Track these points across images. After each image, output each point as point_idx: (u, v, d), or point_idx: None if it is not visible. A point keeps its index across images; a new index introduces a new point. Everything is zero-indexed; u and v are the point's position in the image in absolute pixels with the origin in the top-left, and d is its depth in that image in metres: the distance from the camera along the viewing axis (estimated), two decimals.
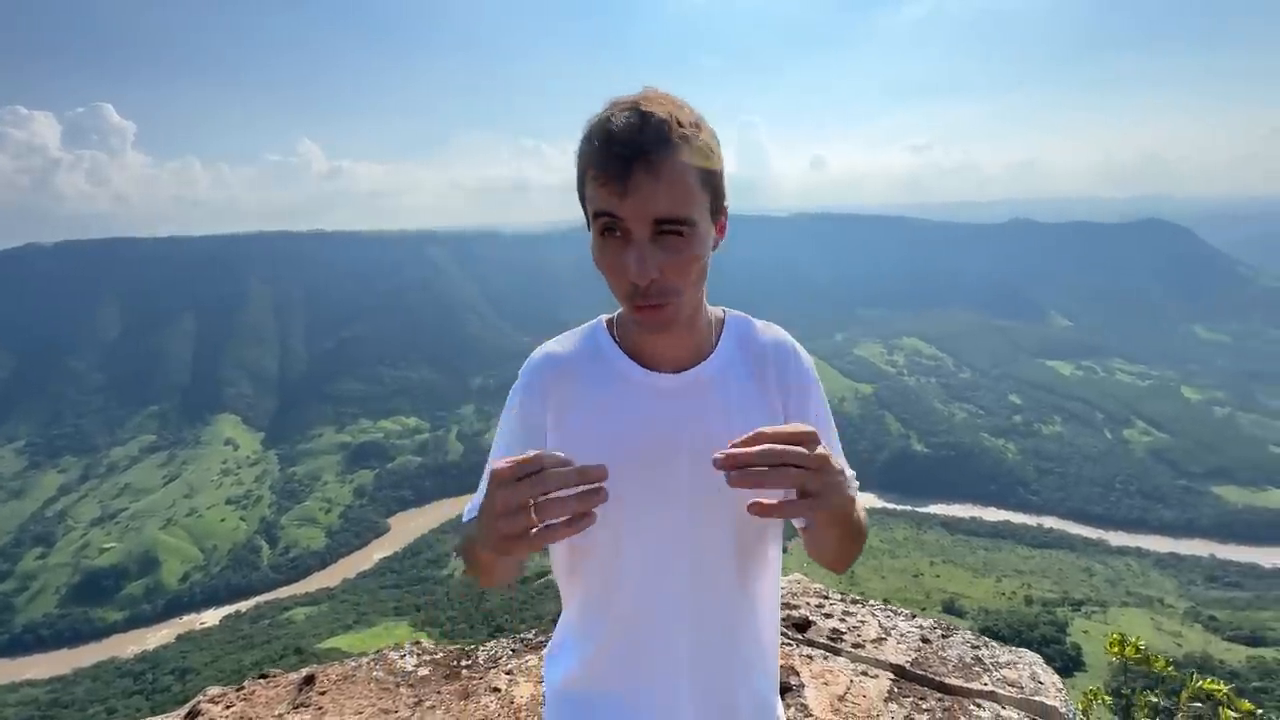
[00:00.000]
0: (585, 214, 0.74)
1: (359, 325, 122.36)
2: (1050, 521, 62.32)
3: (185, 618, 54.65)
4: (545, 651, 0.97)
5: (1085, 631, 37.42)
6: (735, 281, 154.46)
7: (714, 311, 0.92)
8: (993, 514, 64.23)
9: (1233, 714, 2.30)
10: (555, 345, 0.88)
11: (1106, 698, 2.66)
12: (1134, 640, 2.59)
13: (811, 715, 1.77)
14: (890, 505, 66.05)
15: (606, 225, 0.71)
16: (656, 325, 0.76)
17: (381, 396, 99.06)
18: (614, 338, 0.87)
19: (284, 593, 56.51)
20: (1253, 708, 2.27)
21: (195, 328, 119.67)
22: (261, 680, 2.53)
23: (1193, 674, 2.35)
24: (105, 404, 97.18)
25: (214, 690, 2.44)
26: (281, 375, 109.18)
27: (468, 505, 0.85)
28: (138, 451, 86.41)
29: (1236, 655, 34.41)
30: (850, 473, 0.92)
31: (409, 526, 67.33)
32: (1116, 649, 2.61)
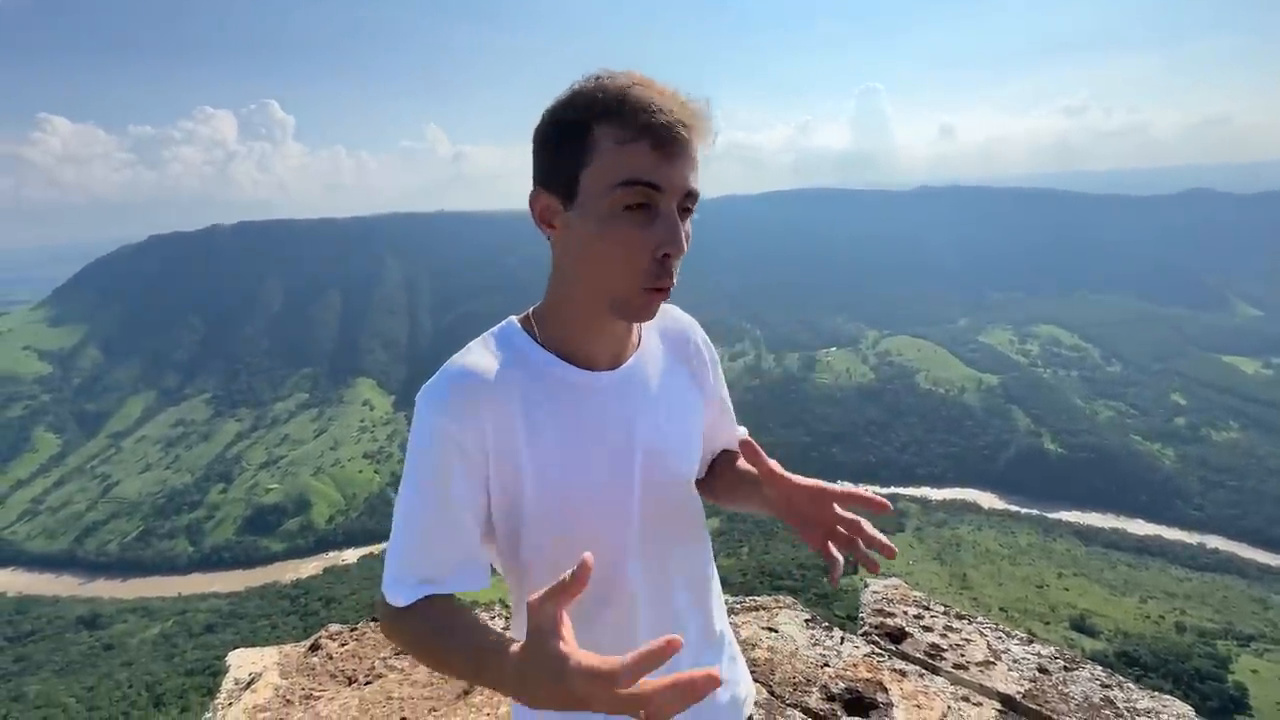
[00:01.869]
0: (569, 183, 0.71)
1: (477, 301, 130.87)
2: (1216, 541, 53.81)
3: (330, 554, 62.60)
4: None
5: (1254, 671, 32.24)
6: (845, 260, 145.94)
7: None
8: (1140, 527, 56.63)
9: None
10: (473, 360, 0.77)
11: None
12: None
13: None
14: (1013, 507, 60.29)
15: (639, 198, 0.68)
16: (652, 312, 0.74)
17: None
18: (534, 339, 0.80)
19: None
20: None
21: (340, 300, 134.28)
22: (374, 623, 2.77)
23: None
24: (270, 365, 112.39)
25: (334, 627, 2.70)
26: (410, 345, 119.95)
27: (392, 556, 0.75)
28: (295, 407, 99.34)
29: None
30: (732, 437, 1.00)
31: None
32: None
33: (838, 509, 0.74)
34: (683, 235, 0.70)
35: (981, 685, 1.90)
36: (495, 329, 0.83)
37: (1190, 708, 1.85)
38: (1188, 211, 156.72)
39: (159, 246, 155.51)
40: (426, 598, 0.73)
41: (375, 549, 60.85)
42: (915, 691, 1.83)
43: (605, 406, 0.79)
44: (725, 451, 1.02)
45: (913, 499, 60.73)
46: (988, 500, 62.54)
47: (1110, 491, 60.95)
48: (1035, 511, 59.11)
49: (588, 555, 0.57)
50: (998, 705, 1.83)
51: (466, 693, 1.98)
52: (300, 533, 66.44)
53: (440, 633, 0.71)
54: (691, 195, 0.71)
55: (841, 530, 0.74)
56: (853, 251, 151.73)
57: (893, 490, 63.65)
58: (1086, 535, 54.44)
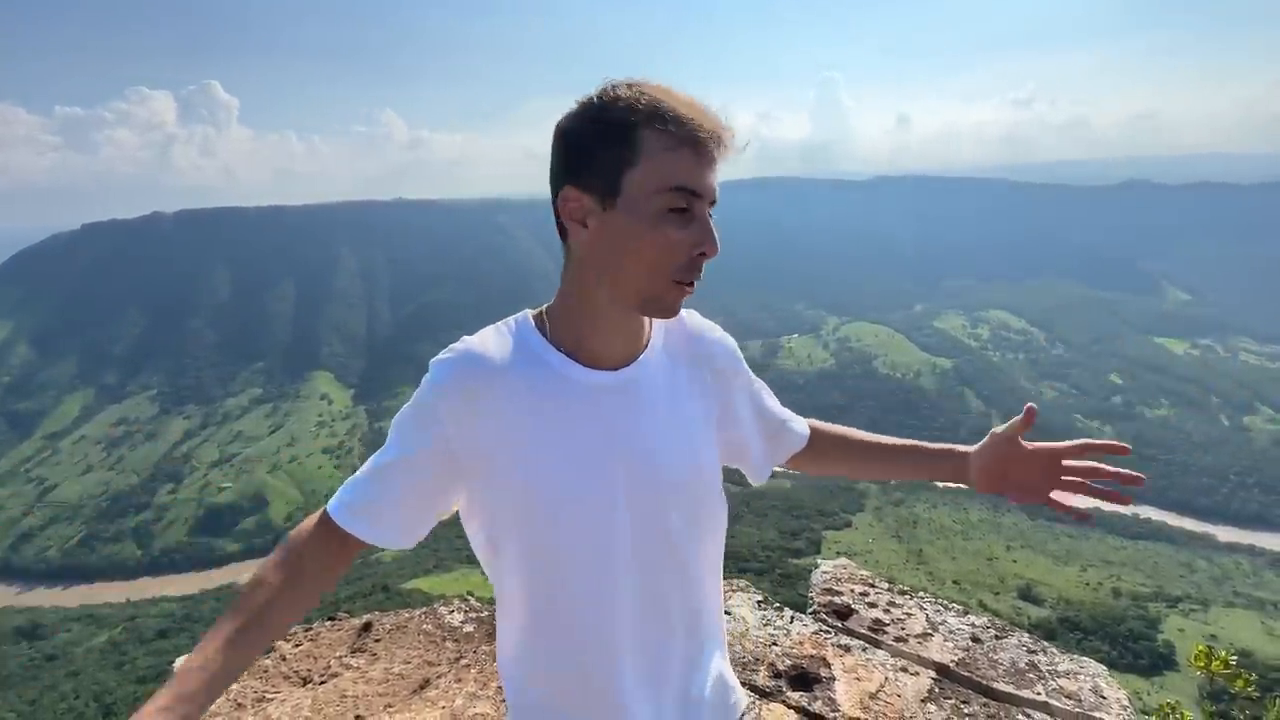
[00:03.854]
0: (611, 183, 0.73)
1: (437, 290, 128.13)
2: (1148, 512, 57.53)
3: None
4: (497, 662, 0.90)
5: (1181, 630, 34.76)
6: (806, 249, 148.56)
7: None
8: (1081, 501, 59.85)
9: None
10: (481, 345, 0.79)
11: (1187, 713, 2.44)
12: (1224, 654, 2.35)
13: (839, 711, 1.72)
14: (965, 485, 62.92)
15: (683, 201, 0.73)
16: (679, 307, 0.78)
17: None
18: (545, 336, 0.81)
19: None
20: None
21: (294, 291, 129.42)
22: (329, 622, 2.73)
23: (1276, 699, 2.11)
24: (220, 359, 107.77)
25: None
26: (369, 336, 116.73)
27: (348, 489, 0.80)
28: (248, 403, 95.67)
29: None
30: (798, 428, 1.06)
31: None
32: (1202, 662, 2.38)
33: (1065, 462, 0.81)
34: (715, 235, 0.74)
35: (919, 656, 2.01)
36: (510, 320, 0.84)
37: (1104, 667, 2.00)
38: (1125, 202, 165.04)
39: (94, 235, 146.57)
40: (335, 530, 0.78)
41: None
42: (856, 665, 1.93)
43: (605, 405, 0.79)
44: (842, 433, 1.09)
45: (871, 481, 62.77)
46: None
47: None
48: None
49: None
50: (933, 674, 1.94)
51: (422, 687, 1.99)
52: (257, 532, 64.36)
53: (270, 587, 0.74)
54: (714, 202, 0.77)
55: (1073, 479, 0.81)
56: (813, 239, 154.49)
57: None
58: (1032, 509, 57.22)
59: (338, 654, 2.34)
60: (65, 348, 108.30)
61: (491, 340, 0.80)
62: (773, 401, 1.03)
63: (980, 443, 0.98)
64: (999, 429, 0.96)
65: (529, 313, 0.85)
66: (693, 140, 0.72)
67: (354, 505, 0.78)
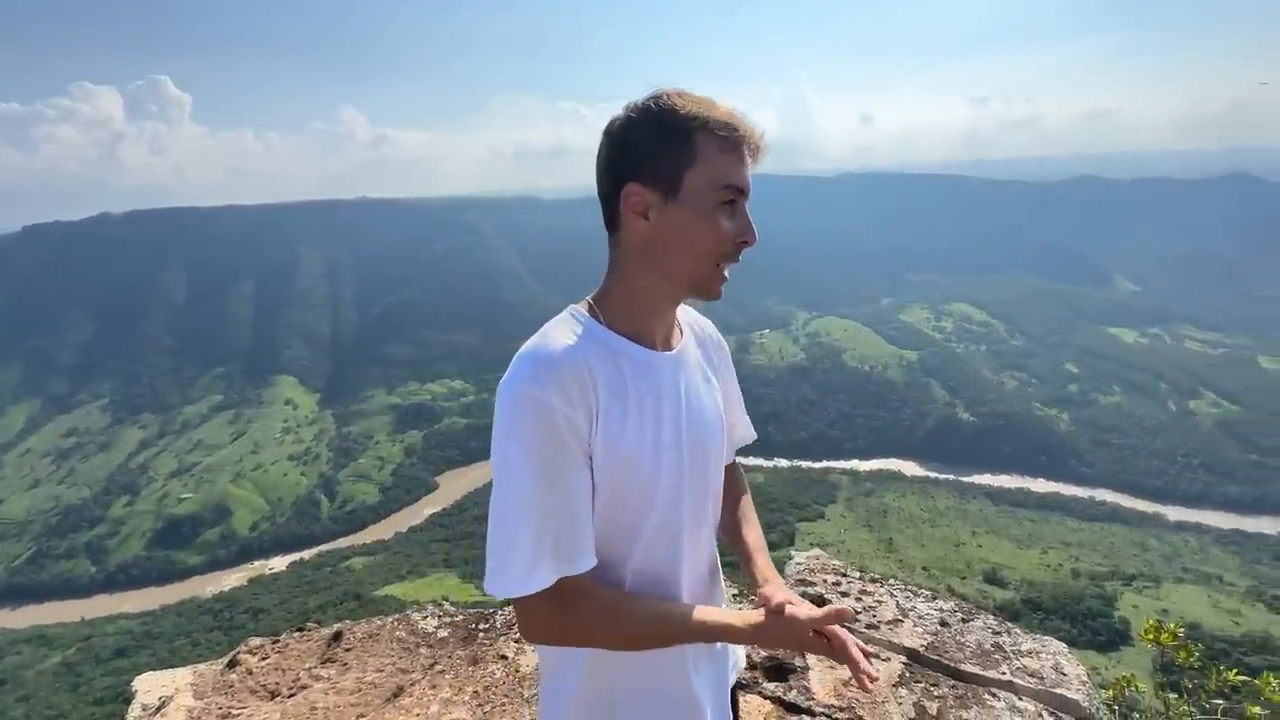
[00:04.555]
0: (673, 181, 0.86)
1: (404, 291, 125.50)
2: (1104, 494, 59.95)
3: (256, 563, 59.02)
4: (544, 652, 0.98)
5: (1135, 606, 36.34)
6: (775, 245, 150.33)
7: None
8: (1041, 485, 62.23)
9: (1259, 710, 2.17)
10: (561, 343, 0.86)
11: (1140, 685, 2.56)
12: (1172, 626, 2.46)
13: (814, 700, 1.75)
14: (933, 474, 64.70)
15: (732, 197, 0.88)
16: (721, 289, 0.92)
17: (428, 360, 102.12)
18: (604, 325, 0.92)
19: (343, 543, 60.17)
20: None
21: (254, 293, 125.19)
22: (297, 633, 2.66)
23: (1218, 668, 2.22)
24: (176, 365, 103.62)
25: (254, 641, 2.58)
26: (334, 339, 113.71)
27: (513, 548, 0.80)
28: (207, 410, 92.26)
29: None
30: (748, 432, 1.22)
31: (456, 484, 70.18)
32: (1153, 636, 2.49)
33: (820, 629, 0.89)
34: (754, 227, 0.91)
35: (890, 642, 2.06)
36: (564, 315, 0.93)
37: (1065, 645, 2.08)
38: (1077, 197, 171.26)
39: (36, 237, 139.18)
40: (567, 581, 0.82)
41: (306, 554, 57.99)
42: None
43: (668, 380, 0.93)
44: (735, 503, 1.21)
45: (843, 472, 63.98)
46: (910, 469, 66.78)
47: (1016, 454, 66.53)
48: (952, 476, 63.70)
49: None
50: (904, 659, 1.99)
51: (396, 695, 1.95)
52: (221, 543, 62.20)
53: (632, 603, 0.87)
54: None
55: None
56: (782, 236, 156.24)
57: (824, 464, 66.84)
58: (996, 495, 59.27)
59: (307, 665, 2.28)
60: (7, 356, 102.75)
61: (566, 335, 0.88)
62: (737, 406, 1.18)
63: (766, 592, 0.96)
64: (770, 598, 0.93)
65: (577, 306, 0.95)
66: (738, 144, 0.87)
67: (559, 553, 0.81)
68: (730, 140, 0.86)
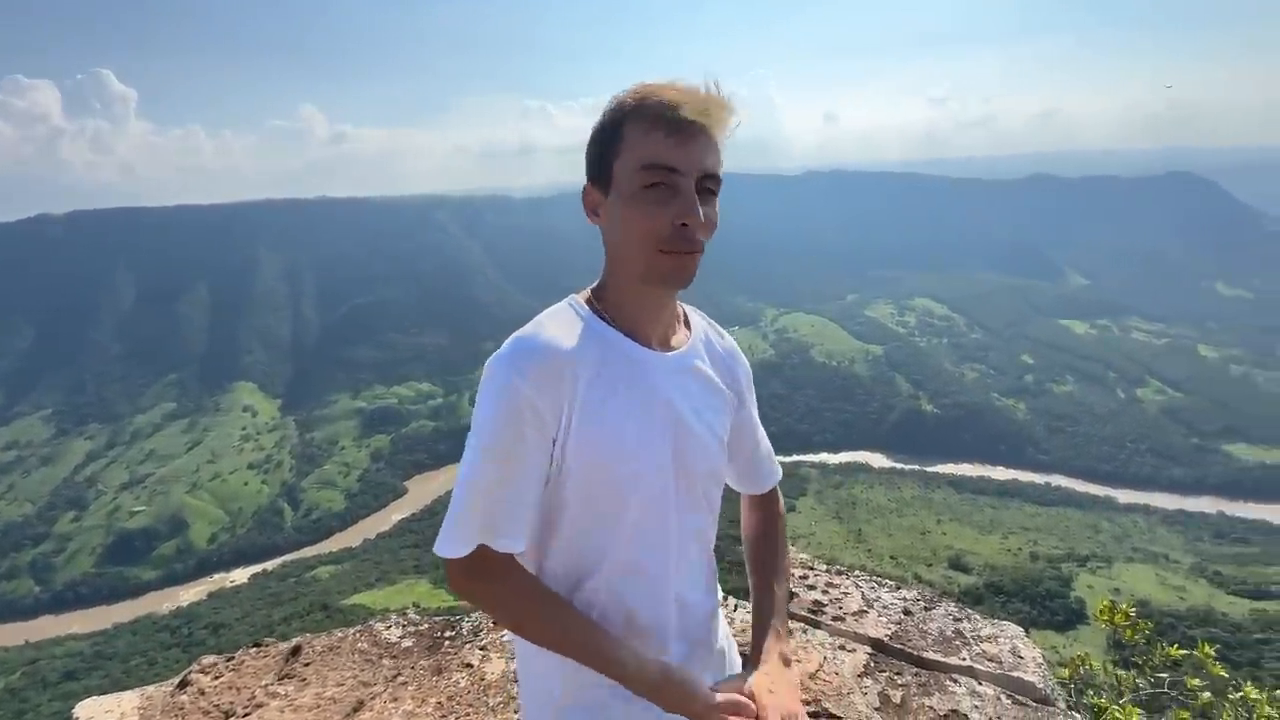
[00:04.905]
0: (606, 174, 0.85)
1: (369, 292, 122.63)
2: (1058, 480, 62.48)
3: (215, 576, 56.91)
4: (522, 653, 0.96)
5: (1090, 586, 37.95)
6: (744, 243, 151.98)
7: None
8: (1001, 473, 64.48)
9: (1198, 682, 2.29)
10: (550, 330, 0.84)
11: (1094, 663, 2.66)
12: (1124, 606, 2.58)
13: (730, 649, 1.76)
14: (899, 465, 66.40)
15: (657, 178, 0.80)
16: (681, 276, 0.84)
17: (394, 362, 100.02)
18: (602, 319, 0.90)
19: (308, 552, 58.50)
20: (1223, 671, 2.27)
21: (209, 296, 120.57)
22: (254, 649, 2.57)
23: (1160, 644, 2.34)
24: (125, 372, 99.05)
25: (207, 660, 2.48)
26: (295, 342, 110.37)
27: (450, 518, 0.82)
28: (160, 419, 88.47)
29: (1240, 609, 34.82)
30: (766, 446, 1.16)
31: (426, 489, 68.93)
32: (1106, 615, 2.59)
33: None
34: (698, 208, 0.81)
35: (855, 633, 2.09)
36: (562, 303, 0.91)
37: (1021, 629, 2.15)
38: (1030, 195, 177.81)
39: None
40: (485, 551, 0.81)
41: (269, 565, 56.20)
42: (796, 647, 1.99)
43: (660, 382, 0.89)
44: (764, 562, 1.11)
45: (813, 465, 65.14)
46: (877, 460, 68.41)
47: (977, 444, 68.80)
48: (917, 467, 65.50)
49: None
50: (869, 649, 2.03)
51: (356, 710, 1.89)
52: (177, 556, 59.77)
53: (543, 597, 0.85)
54: (711, 177, 0.83)
55: None
56: (750, 233, 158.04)
57: (795, 458, 67.94)
58: (959, 484, 61.20)
59: (263, 683, 2.20)
60: None
61: (558, 324, 0.86)
62: (760, 448, 1.14)
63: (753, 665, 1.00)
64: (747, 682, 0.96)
65: (578, 296, 0.93)
66: (665, 120, 0.80)
67: (484, 527, 0.80)
68: (658, 119, 0.80)
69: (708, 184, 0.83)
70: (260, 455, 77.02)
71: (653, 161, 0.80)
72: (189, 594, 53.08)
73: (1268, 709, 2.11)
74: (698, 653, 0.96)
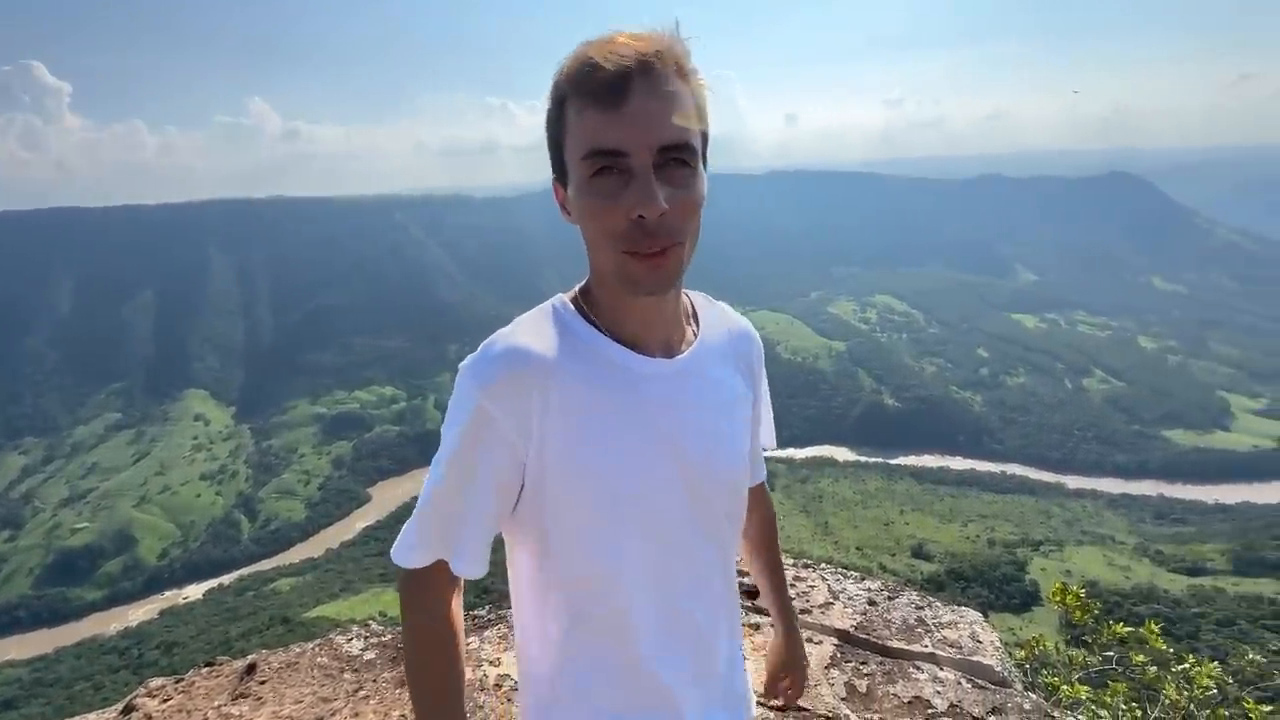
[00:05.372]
0: (561, 165, 0.69)
1: (327, 294, 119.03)
2: (1013, 468, 64.99)
3: (167, 593, 54.37)
4: (523, 667, 0.84)
5: (1043, 569, 39.56)
6: (710, 240, 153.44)
7: None
8: (959, 463, 66.71)
9: (1143, 658, 2.42)
10: (522, 337, 0.71)
11: (1048, 643, 2.77)
12: (1074, 588, 2.71)
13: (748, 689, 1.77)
14: (863, 458, 68.03)
15: (601, 165, 0.63)
16: (657, 281, 0.67)
17: (355, 366, 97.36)
18: (588, 320, 0.75)
19: (267, 565, 56.46)
20: (1165, 647, 2.42)
21: (155, 300, 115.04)
22: (205, 669, 2.47)
23: (1109, 623, 2.46)
24: (64, 382, 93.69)
25: (155, 682, 2.38)
26: (249, 347, 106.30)
27: (409, 524, 0.76)
28: (103, 430, 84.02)
29: (1179, 585, 36.83)
30: (769, 440, 1.02)
31: (391, 495, 67.30)
32: (1058, 597, 2.71)
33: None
34: (655, 195, 0.63)
35: (822, 625, 2.13)
36: (544, 305, 0.77)
37: (980, 615, 2.22)
38: (982, 194, 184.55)
39: None
40: (442, 567, 0.75)
41: (225, 579, 54.02)
42: (764, 642, 2.01)
43: (657, 394, 0.74)
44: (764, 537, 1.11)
45: (780, 460, 66.16)
46: (842, 454, 69.97)
47: (936, 435, 71.05)
48: (880, 459, 67.25)
49: None
50: (835, 640, 2.06)
51: None
52: (124, 574, 56.85)
53: (448, 643, 0.76)
54: (674, 147, 0.64)
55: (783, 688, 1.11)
56: (716, 232, 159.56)
57: (764, 454, 68.74)
58: (920, 475, 63.07)
59: (216, 704, 2.10)
60: None
61: (532, 331, 0.73)
62: (765, 425, 1.00)
63: (778, 647, 1.13)
64: (778, 664, 1.13)
65: (563, 296, 0.79)
66: (591, 93, 0.63)
67: (451, 547, 0.73)
68: (584, 94, 0.63)
69: (674, 155, 0.64)
70: (214, 465, 73.95)
71: (590, 147, 0.63)
72: (138, 613, 50.59)
73: (1206, 680, 2.24)
74: (713, 698, 0.84)
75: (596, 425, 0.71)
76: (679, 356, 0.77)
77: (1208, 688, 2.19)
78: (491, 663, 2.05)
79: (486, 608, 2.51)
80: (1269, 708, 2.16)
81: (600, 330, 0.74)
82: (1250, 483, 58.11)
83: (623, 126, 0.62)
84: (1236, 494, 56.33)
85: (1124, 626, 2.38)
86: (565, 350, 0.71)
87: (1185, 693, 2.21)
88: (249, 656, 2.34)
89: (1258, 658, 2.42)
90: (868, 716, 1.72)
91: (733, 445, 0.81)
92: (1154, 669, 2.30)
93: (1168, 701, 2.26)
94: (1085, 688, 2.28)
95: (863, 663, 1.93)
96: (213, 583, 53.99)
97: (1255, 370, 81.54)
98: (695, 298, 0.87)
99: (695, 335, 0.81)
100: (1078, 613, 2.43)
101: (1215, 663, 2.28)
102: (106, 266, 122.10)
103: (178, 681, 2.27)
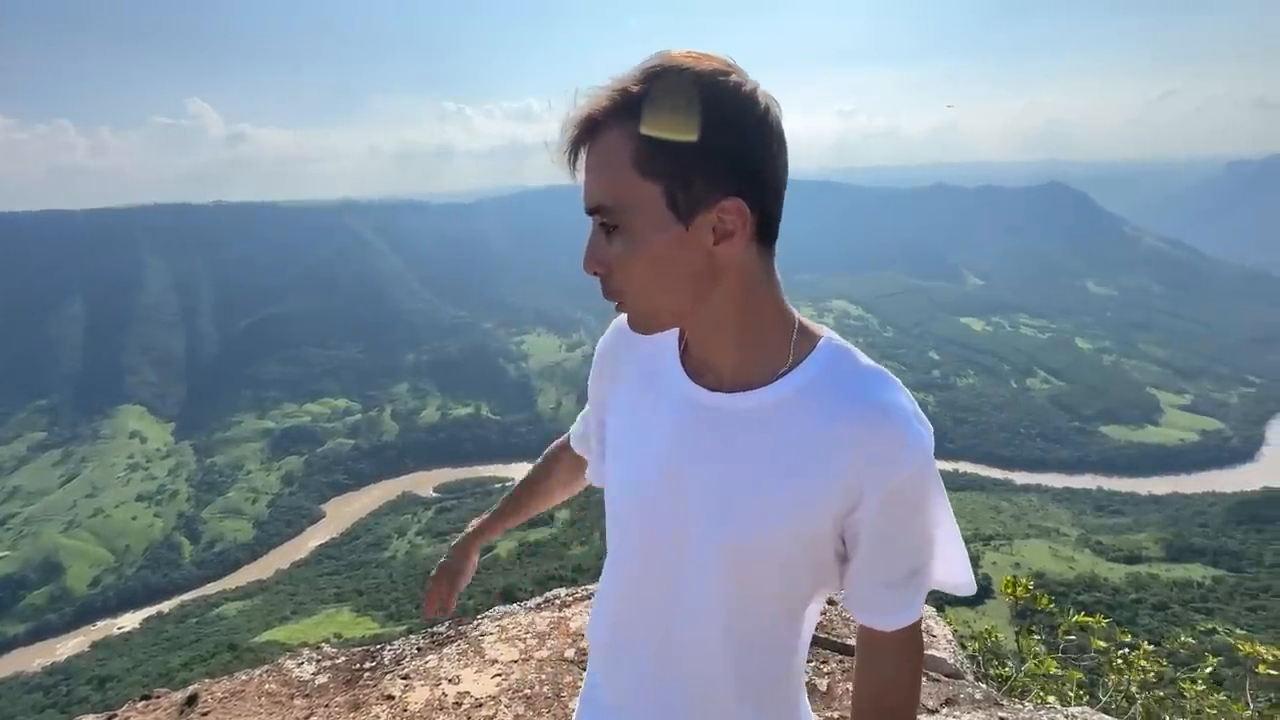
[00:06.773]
0: None
1: (275, 303, 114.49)
2: (965, 466, 67.56)
3: (100, 624, 50.91)
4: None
5: (994, 563, 41.14)
6: None
7: (808, 330, 0.73)
8: None
9: (1102, 643, 2.55)
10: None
11: (1000, 635, 2.88)
12: (1024, 580, 2.83)
13: None
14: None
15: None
16: (632, 326, 0.67)
17: (306, 378, 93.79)
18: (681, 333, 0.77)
19: (211, 589, 53.59)
20: (1123, 634, 2.58)
21: (84, 311, 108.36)
22: (141, 703, 2.33)
23: (1069, 610, 2.59)
24: None
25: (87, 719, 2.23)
26: (190, 360, 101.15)
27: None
28: (25, 451, 78.36)
29: (1118, 574, 38.91)
30: (895, 576, 0.71)
31: (346, 510, 64.96)
32: (1009, 590, 2.83)
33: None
34: (590, 253, 0.63)
35: None
36: None
37: (933, 609, 2.29)
38: (932, 202, 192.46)
39: None
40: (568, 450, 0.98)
41: (165, 606, 50.99)
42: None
43: (686, 423, 0.69)
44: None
45: None
46: None
47: None
48: None
49: None
50: None
51: None
52: (50, 605, 52.95)
53: (527, 482, 1.06)
54: (593, 211, 0.62)
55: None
56: None
57: None
58: None
59: None
60: None
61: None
62: (895, 568, 0.70)
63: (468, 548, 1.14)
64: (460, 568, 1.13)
65: None
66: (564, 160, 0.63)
67: (582, 435, 0.94)
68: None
69: (602, 219, 0.62)
70: (151, 485, 69.87)
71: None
72: (67, 646, 47.17)
73: (1143, 663, 2.38)
74: None
75: (630, 432, 0.76)
76: (736, 394, 0.68)
77: (1144, 668, 2.34)
78: (451, 680, 1.99)
79: (447, 624, 2.43)
80: (1203, 686, 2.31)
81: (680, 344, 0.75)
82: (1178, 474, 62.19)
83: (582, 187, 0.63)
84: (1167, 485, 60.09)
85: (1083, 615, 2.53)
86: (652, 349, 0.76)
87: (1126, 676, 2.34)
88: (190, 687, 2.21)
89: (1189, 639, 2.59)
90: (829, 715, 1.74)
91: (757, 506, 0.65)
92: (1102, 654, 2.44)
93: (1111, 684, 2.39)
94: (1052, 661, 2.41)
95: (823, 661, 1.96)
96: (151, 610, 50.87)
97: (1180, 368, 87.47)
98: (826, 343, 0.72)
99: (783, 382, 0.68)
100: (1042, 599, 2.57)
101: (1151, 645, 2.44)
102: (29, 276, 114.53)
103: (110, 718, 2.13)
